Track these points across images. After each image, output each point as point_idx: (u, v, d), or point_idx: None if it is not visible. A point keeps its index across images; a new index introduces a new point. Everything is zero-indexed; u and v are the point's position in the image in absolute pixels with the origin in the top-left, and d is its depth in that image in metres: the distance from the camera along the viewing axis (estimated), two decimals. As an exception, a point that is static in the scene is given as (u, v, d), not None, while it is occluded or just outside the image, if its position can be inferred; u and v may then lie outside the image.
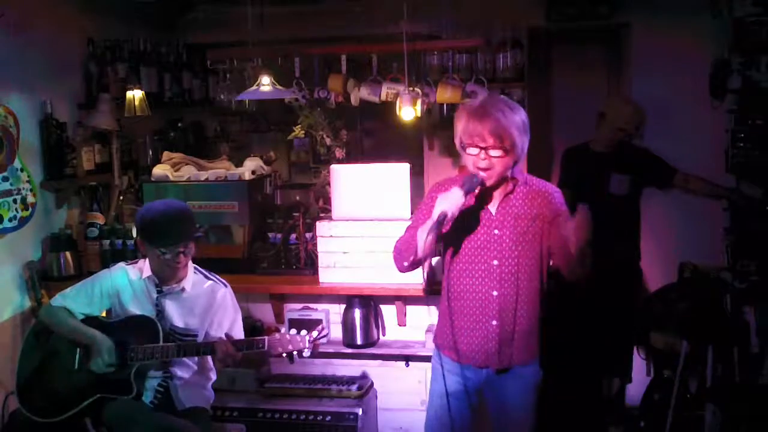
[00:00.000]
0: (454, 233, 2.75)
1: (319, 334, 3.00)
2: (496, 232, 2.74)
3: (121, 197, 4.40)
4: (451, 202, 2.61)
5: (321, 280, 3.72)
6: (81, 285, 3.20)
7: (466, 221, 2.74)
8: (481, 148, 2.64)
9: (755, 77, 3.82)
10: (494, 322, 2.78)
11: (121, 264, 3.23)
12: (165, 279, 3.12)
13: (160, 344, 3.00)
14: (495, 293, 2.76)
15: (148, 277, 3.13)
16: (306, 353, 2.99)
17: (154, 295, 3.12)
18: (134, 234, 4.01)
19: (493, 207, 2.76)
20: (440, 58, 4.53)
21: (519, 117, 2.66)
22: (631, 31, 4.81)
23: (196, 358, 3.20)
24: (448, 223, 2.63)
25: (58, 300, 3.16)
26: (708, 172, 4.25)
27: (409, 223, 2.91)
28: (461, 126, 2.68)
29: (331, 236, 3.68)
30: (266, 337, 2.99)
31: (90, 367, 2.99)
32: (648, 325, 4.32)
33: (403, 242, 2.82)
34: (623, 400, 4.52)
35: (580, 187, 4.36)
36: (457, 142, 2.73)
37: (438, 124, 5.02)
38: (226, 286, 3.22)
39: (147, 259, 3.13)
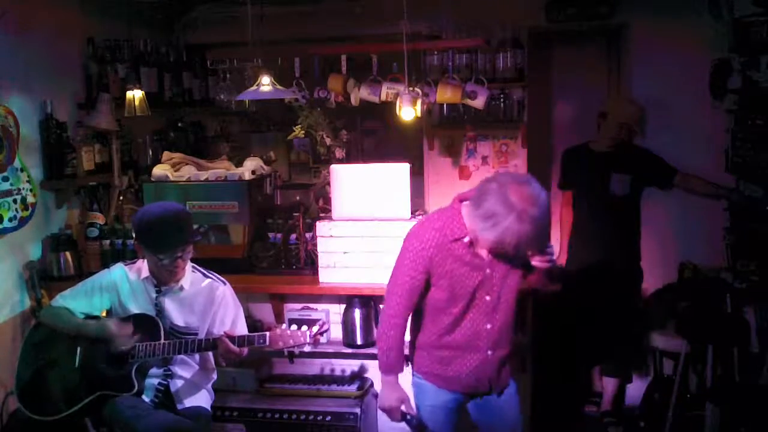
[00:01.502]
0: (450, 282, 2.75)
1: (319, 329, 3.02)
2: (487, 271, 2.76)
3: (121, 197, 4.40)
4: (392, 403, 2.85)
5: (321, 280, 3.72)
6: (80, 285, 3.21)
7: (462, 271, 2.74)
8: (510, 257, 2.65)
9: (755, 77, 3.82)
10: (489, 353, 2.83)
11: (120, 264, 3.24)
12: (163, 281, 3.12)
13: (161, 341, 3.01)
14: (488, 326, 2.81)
15: (147, 278, 3.13)
16: (307, 348, 3.00)
17: (153, 295, 3.13)
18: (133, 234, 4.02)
19: (484, 252, 2.73)
20: (440, 58, 4.53)
21: None
22: (631, 31, 4.81)
23: (197, 358, 3.21)
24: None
25: (59, 301, 3.17)
26: (708, 172, 4.25)
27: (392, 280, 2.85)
28: (519, 237, 2.50)
29: (331, 236, 3.68)
30: (267, 333, 3.00)
31: (113, 350, 3.00)
32: (648, 325, 4.32)
33: (380, 344, 2.88)
34: (623, 400, 4.52)
35: (581, 188, 4.37)
36: (487, 240, 2.59)
37: (438, 124, 5.02)
38: (224, 283, 3.22)
39: (145, 260, 3.14)
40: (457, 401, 2.93)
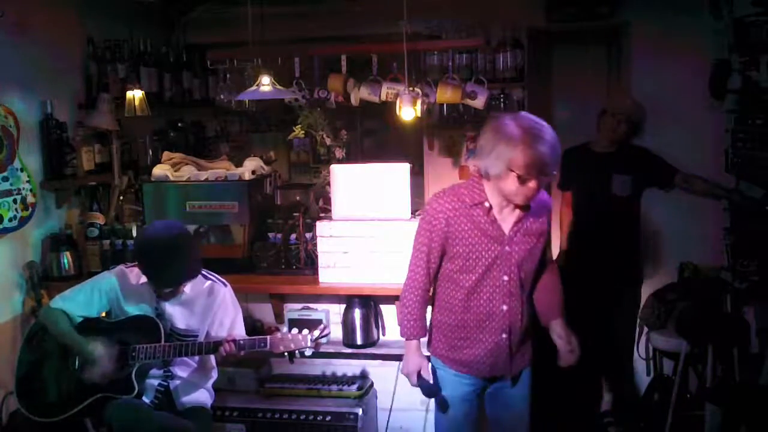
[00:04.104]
0: (465, 250, 2.74)
1: (320, 333, 3.01)
2: (507, 249, 2.74)
3: (121, 197, 4.40)
4: (410, 368, 2.88)
5: (321, 280, 3.72)
6: (80, 287, 3.19)
7: (479, 240, 2.73)
8: (541, 180, 2.61)
9: (755, 77, 3.82)
10: (503, 336, 2.81)
11: (121, 266, 3.22)
12: (163, 298, 3.12)
13: (162, 343, 3.00)
14: (504, 308, 2.78)
15: (147, 282, 3.11)
16: (308, 352, 3.00)
17: (154, 299, 3.12)
18: (134, 233, 4.02)
19: (506, 226, 2.75)
20: (440, 58, 4.53)
21: None
22: (631, 30, 4.81)
23: (196, 358, 3.21)
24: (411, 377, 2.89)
25: (58, 302, 3.15)
26: (708, 172, 4.25)
27: (411, 256, 2.88)
28: (525, 155, 2.56)
29: (331, 236, 3.68)
30: (268, 337, 3.00)
31: (83, 376, 2.99)
32: (648, 325, 4.32)
33: (400, 310, 2.92)
34: (623, 401, 4.52)
35: (581, 188, 4.37)
36: (499, 167, 2.61)
37: (438, 124, 5.02)
38: (225, 285, 3.22)
39: None
40: (475, 392, 2.92)
